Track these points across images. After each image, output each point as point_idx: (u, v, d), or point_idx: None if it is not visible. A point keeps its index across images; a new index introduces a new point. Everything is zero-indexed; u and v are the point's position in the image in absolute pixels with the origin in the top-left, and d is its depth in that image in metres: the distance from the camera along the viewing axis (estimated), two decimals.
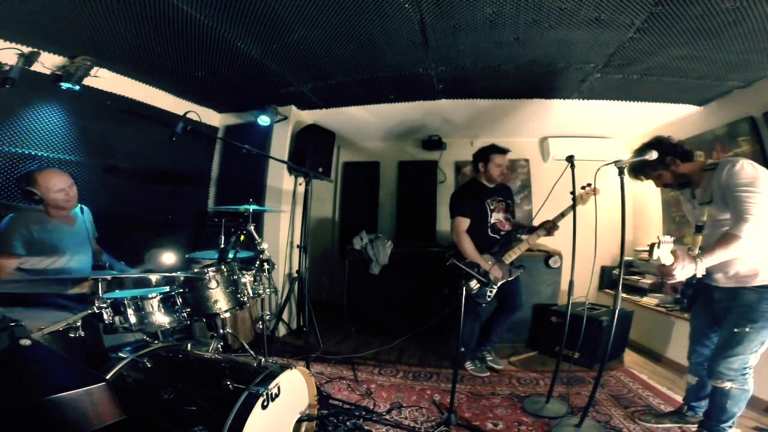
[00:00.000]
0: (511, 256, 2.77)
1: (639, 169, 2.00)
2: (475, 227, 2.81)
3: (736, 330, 1.74)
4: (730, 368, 1.75)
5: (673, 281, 1.65)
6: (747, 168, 1.65)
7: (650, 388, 2.61)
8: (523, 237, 2.82)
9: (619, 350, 3.23)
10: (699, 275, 1.62)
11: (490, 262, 2.72)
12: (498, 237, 2.85)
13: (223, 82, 3.25)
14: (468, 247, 2.74)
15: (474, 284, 2.66)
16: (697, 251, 1.79)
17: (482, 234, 2.81)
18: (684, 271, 1.58)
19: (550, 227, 2.68)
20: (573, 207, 2.45)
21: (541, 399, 2.39)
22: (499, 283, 2.74)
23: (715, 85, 2.83)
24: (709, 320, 1.96)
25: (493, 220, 2.85)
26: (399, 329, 3.54)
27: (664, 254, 1.54)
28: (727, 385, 1.75)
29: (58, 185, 2.08)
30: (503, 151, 2.85)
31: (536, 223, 2.85)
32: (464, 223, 2.79)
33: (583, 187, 2.56)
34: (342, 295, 3.97)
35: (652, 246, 1.55)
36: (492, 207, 2.86)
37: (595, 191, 2.56)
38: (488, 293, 2.73)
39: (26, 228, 2.00)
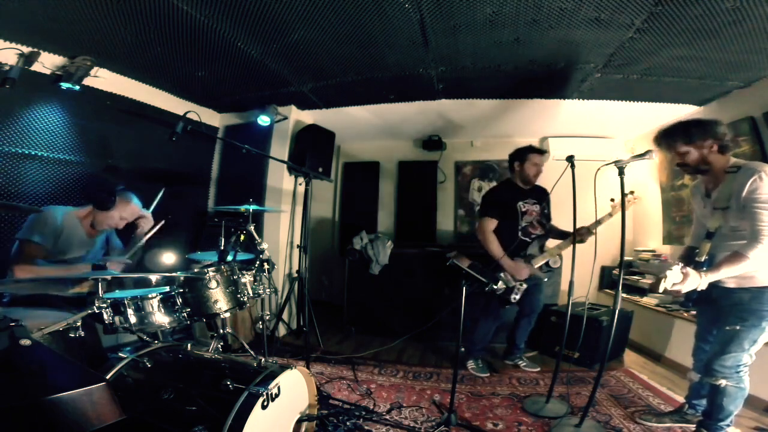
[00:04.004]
0: (539, 261, 2.72)
1: (670, 136, 1.87)
2: (506, 229, 2.73)
3: (728, 328, 1.77)
4: (723, 366, 1.77)
5: (678, 294, 1.65)
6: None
7: (650, 388, 2.61)
8: (554, 242, 2.78)
9: (619, 350, 3.23)
10: (700, 289, 1.63)
11: (513, 262, 2.67)
12: (529, 240, 2.77)
13: (223, 82, 3.25)
14: (494, 247, 2.67)
15: (500, 284, 2.61)
16: (704, 258, 1.79)
17: (513, 236, 2.71)
18: (689, 285, 1.59)
19: (584, 233, 2.58)
20: (596, 218, 2.44)
21: (541, 399, 2.39)
22: (525, 286, 2.70)
23: (715, 85, 2.83)
24: (711, 318, 1.96)
25: (524, 224, 2.76)
26: (399, 329, 3.54)
27: (671, 283, 1.56)
28: (722, 382, 1.76)
29: (129, 217, 2.23)
30: (541, 152, 2.79)
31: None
32: (491, 224, 2.73)
33: (625, 195, 2.55)
34: (342, 295, 3.97)
35: (658, 281, 1.56)
36: (524, 209, 2.78)
37: (636, 199, 2.56)
38: (514, 294, 2.68)
39: (58, 225, 2.02)
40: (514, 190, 2.85)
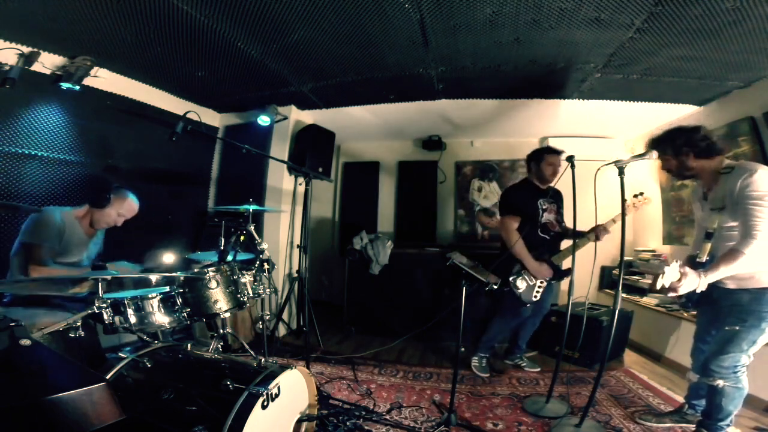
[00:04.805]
0: (560, 259, 2.72)
1: (656, 144, 1.93)
2: (526, 226, 2.74)
3: (727, 328, 1.77)
4: (721, 366, 1.77)
5: (676, 294, 1.63)
6: (761, 180, 1.63)
7: (650, 388, 2.61)
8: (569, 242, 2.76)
9: (619, 350, 3.23)
10: (699, 290, 1.62)
11: (537, 262, 2.67)
12: (548, 237, 2.78)
13: (223, 82, 3.25)
14: (518, 245, 2.67)
15: (522, 284, 2.65)
16: (705, 258, 1.79)
17: (532, 233, 2.74)
18: (687, 286, 1.59)
19: (600, 231, 2.60)
20: (623, 215, 2.45)
21: (541, 399, 2.39)
22: (544, 284, 2.71)
23: (715, 85, 2.83)
24: (711, 319, 1.96)
25: (544, 220, 2.78)
26: (399, 329, 3.54)
27: (668, 281, 1.56)
28: (720, 383, 1.76)
29: (127, 213, 2.24)
30: (557, 152, 2.82)
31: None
32: (514, 222, 2.75)
33: (635, 195, 2.56)
34: (342, 295, 3.97)
35: (656, 277, 1.55)
36: (544, 207, 2.80)
37: (646, 200, 2.60)
38: (534, 293, 2.69)
39: (61, 225, 2.04)
40: (532, 188, 2.87)
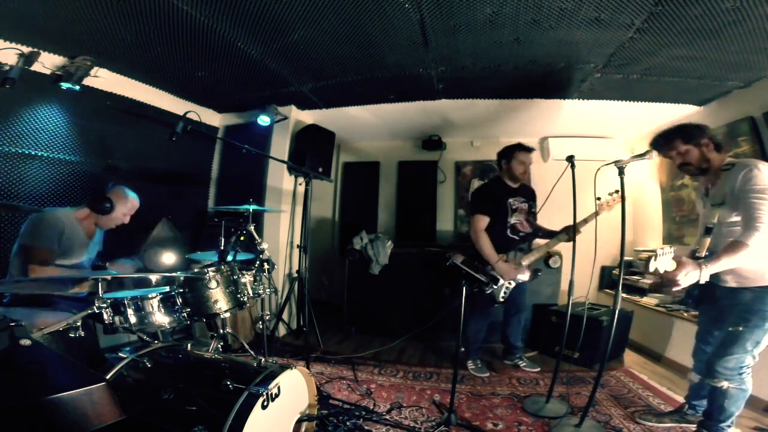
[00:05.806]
0: (528, 259, 2.72)
1: (669, 137, 1.91)
2: (495, 226, 2.74)
3: (731, 329, 1.76)
4: (726, 367, 1.76)
5: (677, 288, 1.62)
6: (763, 175, 1.64)
7: (650, 388, 2.61)
8: (543, 241, 2.78)
9: (619, 350, 3.23)
10: (702, 281, 1.61)
11: (504, 263, 2.67)
12: (517, 238, 2.79)
13: (223, 82, 3.25)
14: (485, 245, 2.68)
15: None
16: (704, 253, 1.78)
17: (501, 233, 2.74)
18: (688, 278, 1.58)
19: (572, 232, 2.57)
20: (596, 214, 2.48)
21: (541, 399, 2.39)
22: (513, 284, 2.72)
23: (715, 85, 2.83)
24: (713, 319, 1.95)
25: (513, 221, 2.78)
26: (399, 329, 3.54)
27: (661, 265, 1.55)
28: (724, 384, 1.76)
29: (131, 210, 2.26)
30: (528, 149, 2.80)
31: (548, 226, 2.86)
32: (483, 221, 2.73)
33: (610, 194, 2.53)
34: (342, 295, 3.97)
35: (648, 259, 1.55)
36: (514, 207, 2.79)
37: (622, 198, 2.57)
38: (502, 293, 2.70)
39: (60, 226, 2.03)
40: (503, 187, 2.86)
